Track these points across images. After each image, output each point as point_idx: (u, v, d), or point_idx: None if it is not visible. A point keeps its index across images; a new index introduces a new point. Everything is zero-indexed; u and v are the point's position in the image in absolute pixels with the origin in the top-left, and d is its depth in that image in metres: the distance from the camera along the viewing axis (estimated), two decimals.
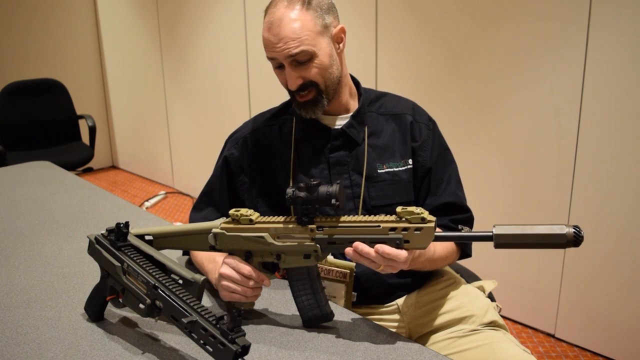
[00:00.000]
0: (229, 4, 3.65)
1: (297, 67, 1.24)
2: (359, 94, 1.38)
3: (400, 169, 1.33)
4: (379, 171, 1.32)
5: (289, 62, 1.23)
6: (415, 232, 1.02)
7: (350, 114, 1.35)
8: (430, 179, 1.35)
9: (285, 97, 1.40)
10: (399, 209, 1.04)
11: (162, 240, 1.21)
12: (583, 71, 2.17)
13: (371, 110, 1.38)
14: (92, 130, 4.05)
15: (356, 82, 1.39)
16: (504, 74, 2.41)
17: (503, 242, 0.99)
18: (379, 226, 1.04)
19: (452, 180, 1.36)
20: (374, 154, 1.33)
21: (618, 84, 2.10)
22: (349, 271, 1.26)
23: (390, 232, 1.03)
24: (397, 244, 1.03)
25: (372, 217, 1.06)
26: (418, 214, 1.02)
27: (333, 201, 1.05)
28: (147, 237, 1.21)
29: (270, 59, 1.26)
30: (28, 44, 4.73)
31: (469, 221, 1.36)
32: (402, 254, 1.02)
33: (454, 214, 1.34)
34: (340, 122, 1.34)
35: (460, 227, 1.29)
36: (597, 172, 2.21)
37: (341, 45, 1.30)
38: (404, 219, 1.03)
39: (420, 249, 1.06)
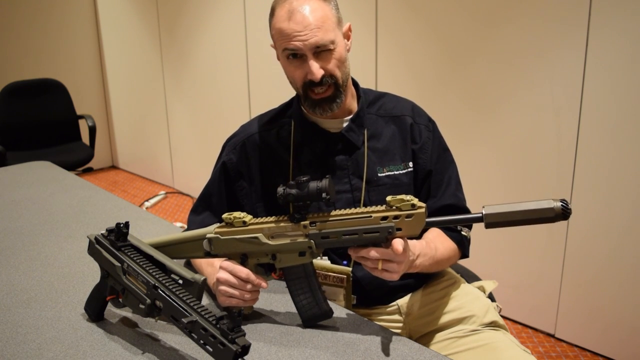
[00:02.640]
0: (229, 4, 3.65)
1: (319, 58, 1.21)
2: (358, 96, 1.37)
3: (401, 172, 1.32)
4: (379, 175, 1.31)
5: (312, 52, 1.20)
6: (407, 219, 1.04)
7: (350, 116, 1.33)
8: (430, 181, 1.34)
9: (285, 96, 1.40)
10: (389, 197, 1.05)
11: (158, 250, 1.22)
12: (583, 71, 2.17)
13: (370, 112, 1.36)
14: (92, 130, 4.05)
15: (355, 83, 1.38)
16: (504, 73, 2.41)
17: (493, 221, 1.00)
18: (371, 216, 1.05)
19: (452, 181, 1.36)
20: (374, 158, 1.32)
21: (618, 84, 2.10)
22: (345, 276, 1.25)
23: (381, 222, 1.04)
24: (390, 232, 1.03)
25: (364, 209, 1.07)
26: (408, 201, 1.03)
27: (324, 195, 1.06)
28: None
29: (288, 49, 1.21)
30: (28, 44, 4.73)
31: None
32: (397, 245, 1.02)
33: (454, 215, 1.33)
34: (340, 125, 1.33)
35: (459, 227, 1.29)
36: (597, 172, 2.21)
37: (349, 42, 1.30)
38: (394, 207, 1.04)
39: (412, 236, 1.06)
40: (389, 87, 2.83)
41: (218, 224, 1.18)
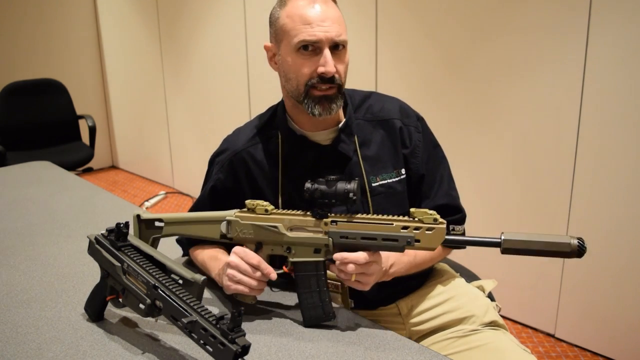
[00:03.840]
0: (229, 4, 3.65)
1: (333, 55, 1.18)
2: (345, 103, 1.30)
3: (394, 180, 1.28)
4: (373, 185, 1.27)
5: (328, 46, 1.17)
6: (427, 232, 1.06)
7: (338, 127, 1.28)
8: (423, 182, 1.31)
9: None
10: (412, 209, 1.08)
11: (172, 226, 1.23)
12: (583, 71, 2.17)
13: (358, 117, 1.31)
14: (92, 130, 4.05)
15: None
16: (504, 74, 2.41)
17: (510, 247, 1.04)
18: (392, 224, 1.08)
19: (444, 179, 1.33)
20: (366, 167, 1.28)
21: (618, 84, 2.10)
22: (339, 283, 1.24)
23: (402, 231, 1.07)
24: (409, 242, 1.06)
25: (385, 216, 1.10)
26: (430, 214, 1.06)
27: (351, 195, 1.08)
28: (157, 224, 1.23)
29: (306, 40, 1.16)
30: (28, 44, 4.73)
31: (461, 220, 1.34)
32: (361, 254, 1.07)
33: (448, 215, 1.30)
34: (329, 136, 1.28)
35: (452, 227, 1.29)
36: (597, 172, 2.21)
37: None
38: (416, 219, 1.07)
39: (429, 250, 1.09)
40: (388, 89, 2.84)
41: (237, 210, 1.19)
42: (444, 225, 1.06)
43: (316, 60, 1.18)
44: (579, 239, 1.01)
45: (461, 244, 1.14)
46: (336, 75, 1.19)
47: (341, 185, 1.09)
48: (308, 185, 1.11)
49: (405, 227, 1.07)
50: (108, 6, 4.92)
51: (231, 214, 1.18)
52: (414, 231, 1.06)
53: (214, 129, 4.07)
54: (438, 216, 1.06)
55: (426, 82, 2.70)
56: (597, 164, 2.21)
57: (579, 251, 1.01)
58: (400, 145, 1.30)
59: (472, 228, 1.39)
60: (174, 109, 4.47)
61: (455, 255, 1.47)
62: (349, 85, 1.37)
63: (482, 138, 2.55)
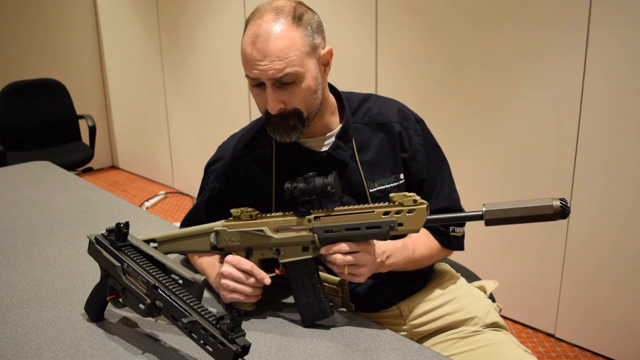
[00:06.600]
0: (229, 5, 3.65)
1: (280, 90, 1.13)
2: (341, 107, 1.28)
3: (392, 185, 1.26)
4: (370, 190, 1.25)
5: (271, 82, 1.12)
6: (408, 214, 1.07)
7: (334, 132, 1.26)
8: (424, 186, 1.30)
9: None
10: (392, 194, 1.08)
11: (165, 244, 1.24)
12: (583, 71, 2.17)
13: (355, 121, 1.28)
14: (92, 130, 4.05)
15: (337, 94, 1.29)
16: (504, 74, 2.41)
17: (493, 217, 1.03)
18: (373, 211, 1.09)
19: (445, 182, 1.32)
20: (364, 172, 1.26)
21: (618, 84, 2.10)
22: (339, 288, 1.24)
23: (383, 217, 1.08)
24: (392, 227, 1.07)
25: (366, 205, 1.11)
26: (410, 197, 1.07)
27: (329, 188, 1.09)
28: (151, 244, 1.24)
29: (249, 77, 1.15)
30: (28, 44, 4.73)
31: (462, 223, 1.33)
32: (342, 243, 1.08)
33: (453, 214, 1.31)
34: (325, 142, 1.26)
35: (452, 228, 1.29)
36: (597, 172, 2.21)
37: (327, 68, 1.21)
38: (397, 202, 1.08)
39: (414, 232, 1.09)
40: (388, 90, 2.84)
41: (225, 220, 1.20)
42: (425, 205, 1.06)
43: (265, 96, 1.15)
44: (561, 199, 0.99)
45: (445, 222, 1.14)
46: (288, 108, 1.15)
47: (319, 181, 1.10)
48: (287, 185, 1.12)
49: (386, 213, 1.08)
50: (108, 6, 4.93)
51: (219, 224, 1.20)
52: (396, 215, 1.07)
53: (214, 128, 4.07)
54: (418, 197, 1.07)
55: (425, 83, 2.70)
56: (597, 164, 2.21)
57: (562, 212, 0.99)
58: (399, 150, 1.28)
59: (472, 226, 1.38)
60: (174, 108, 4.47)
61: (456, 255, 1.47)
62: (348, 86, 1.37)
63: (482, 139, 2.55)
